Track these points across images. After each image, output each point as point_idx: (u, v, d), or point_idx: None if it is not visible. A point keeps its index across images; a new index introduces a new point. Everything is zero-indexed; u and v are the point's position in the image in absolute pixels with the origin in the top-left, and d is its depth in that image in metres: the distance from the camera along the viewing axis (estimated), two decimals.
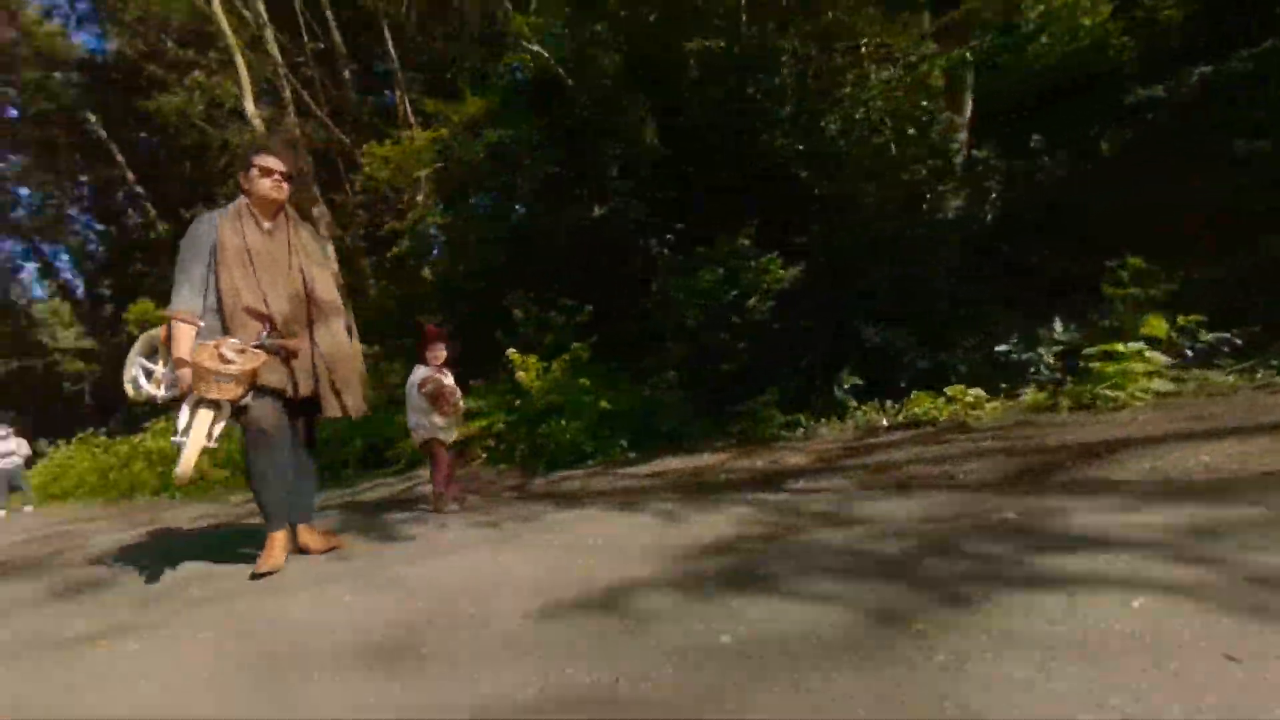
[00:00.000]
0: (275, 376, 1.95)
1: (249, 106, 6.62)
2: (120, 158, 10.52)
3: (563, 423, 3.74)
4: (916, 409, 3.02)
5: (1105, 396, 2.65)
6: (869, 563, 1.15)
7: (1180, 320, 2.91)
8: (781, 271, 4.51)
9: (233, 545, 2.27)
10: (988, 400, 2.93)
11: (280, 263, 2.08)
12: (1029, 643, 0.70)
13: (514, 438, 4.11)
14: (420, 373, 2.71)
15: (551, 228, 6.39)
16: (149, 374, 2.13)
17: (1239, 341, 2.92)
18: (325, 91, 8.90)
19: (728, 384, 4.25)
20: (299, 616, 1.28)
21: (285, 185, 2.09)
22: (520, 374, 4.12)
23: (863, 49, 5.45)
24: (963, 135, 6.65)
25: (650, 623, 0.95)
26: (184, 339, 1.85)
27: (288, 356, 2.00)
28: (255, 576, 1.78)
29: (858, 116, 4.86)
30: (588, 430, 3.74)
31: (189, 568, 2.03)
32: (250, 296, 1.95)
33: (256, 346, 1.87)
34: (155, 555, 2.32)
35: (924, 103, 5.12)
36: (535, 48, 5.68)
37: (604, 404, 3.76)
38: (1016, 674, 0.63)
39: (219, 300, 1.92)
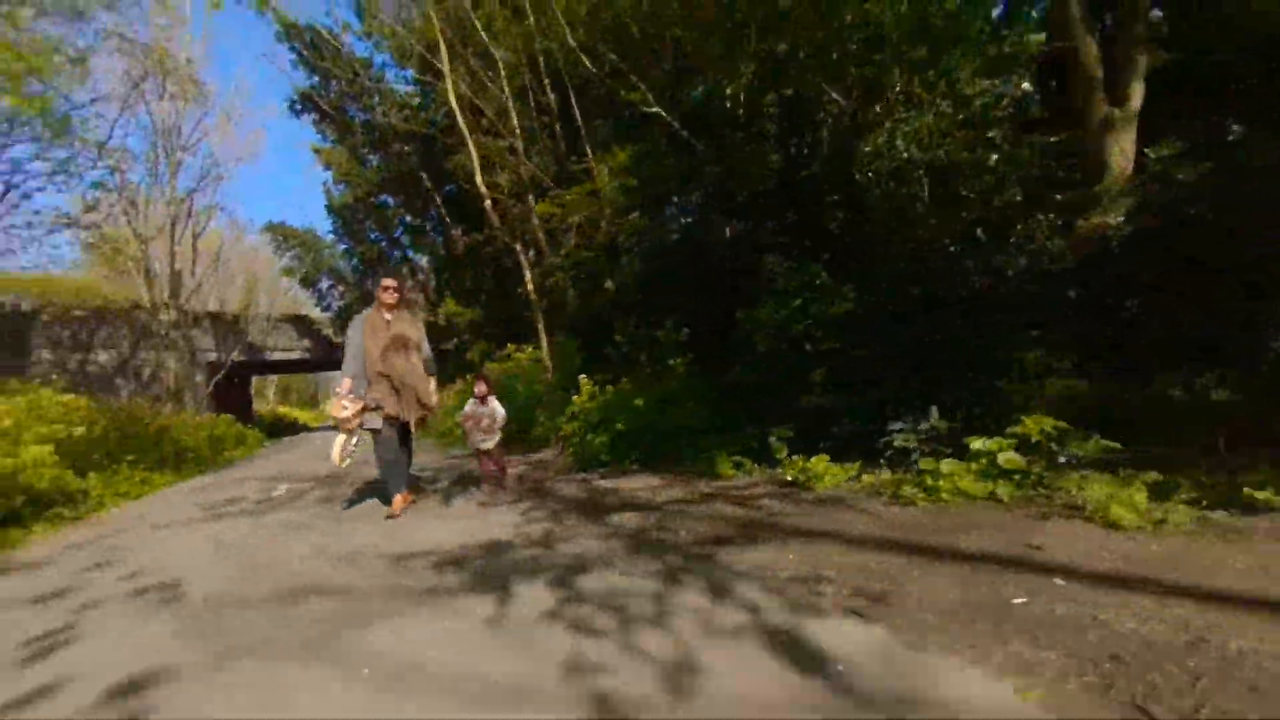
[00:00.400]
0: (387, 407, 4.00)
1: (477, 178, 9.55)
2: (438, 199, 15.32)
3: (593, 437, 5.29)
4: (791, 471, 3.64)
5: (905, 493, 2.96)
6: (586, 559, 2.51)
7: (1047, 424, 2.86)
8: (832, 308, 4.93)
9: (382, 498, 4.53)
10: (835, 473, 3.42)
11: (395, 335, 3.92)
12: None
13: (575, 440, 5.82)
14: (467, 408, 4.60)
15: (685, 256, 7.70)
16: None
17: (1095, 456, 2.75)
18: (543, 142, 11.51)
19: (751, 412, 5.10)
20: (427, 536, 3.22)
21: (395, 295, 4.12)
22: (575, 396, 5.79)
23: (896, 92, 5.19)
24: (1125, 138, 5.60)
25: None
26: (342, 394, 4.02)
27: (396, 389, 4.04)
28: (388, 517, 3.86)
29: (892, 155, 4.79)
30: (609, 444, 5.20)
31: (364, 506, 4.30)
32: (376, 364, 3.95)
33: (358, 399, 3.91)
34: (351, 499, 4.74)
35: (989, 134, 4.69)
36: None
37: (619, 425, 5.16)
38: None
39: (362, 366, 4.01)
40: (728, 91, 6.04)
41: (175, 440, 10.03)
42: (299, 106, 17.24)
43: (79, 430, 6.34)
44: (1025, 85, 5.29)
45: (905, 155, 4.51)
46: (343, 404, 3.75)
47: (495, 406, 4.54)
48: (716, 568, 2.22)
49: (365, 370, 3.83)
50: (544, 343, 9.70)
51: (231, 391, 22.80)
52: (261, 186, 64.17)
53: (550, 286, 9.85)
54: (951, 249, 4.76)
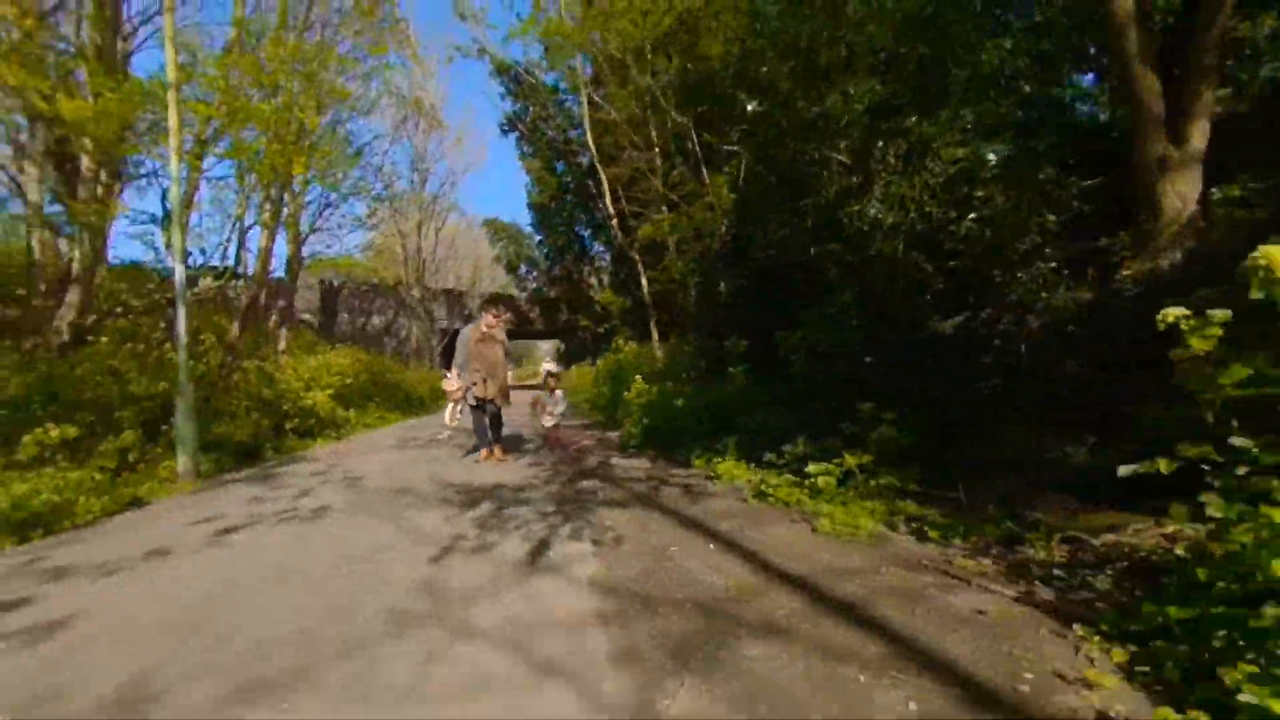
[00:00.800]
0: (478, 388, 6.33)
1: (605, 199, 11.67)
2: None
3: (631, 427, 7.07)
4: (710, 469, 5.02)
5: (754, 494, 4.18)
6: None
7: (865, 459, 3.83)
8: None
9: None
10: (738, 473, 4.71)
11: (491, 345, 6.30)
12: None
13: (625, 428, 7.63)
14: (538, 394, 6.71)
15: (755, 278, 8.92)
16: None
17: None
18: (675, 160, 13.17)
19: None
20: (483, 475, 5.60)
21: (495, 321, 6.40)
22: (627, 392, 7.56)
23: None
24: (1183, 179, 5.44)
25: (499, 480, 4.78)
26: (452, 377, 6.44)
27: (485, 379, 6.38)
28: (474, 461, 6.28)
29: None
30: (641, 434, 6.93)
31: (472, 453, 6.79)
32: (475, 361, 6.34)
33: (458, 379, 6.27)
34: (469, 449, 7.23)
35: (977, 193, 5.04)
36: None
37: (647, 421, 6.85)
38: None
39: (466, 360, 6.39)
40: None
41: (406, 390, 14.23)
42: (506, 127, 21.26)
43: (349, 380, 10.05)
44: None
45: (876, 218, 5.30)
46: (451, 383, 6.14)
47: (559, 396, 6.58)
48: (582, 510, 3.93)
49: (467, 364, 6.15)
50: (654, 338, 11.59)
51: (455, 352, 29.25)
52: (485, 187, 76.97)
53: (662, 290, 11.66)
54: (925, 298, 5.44)
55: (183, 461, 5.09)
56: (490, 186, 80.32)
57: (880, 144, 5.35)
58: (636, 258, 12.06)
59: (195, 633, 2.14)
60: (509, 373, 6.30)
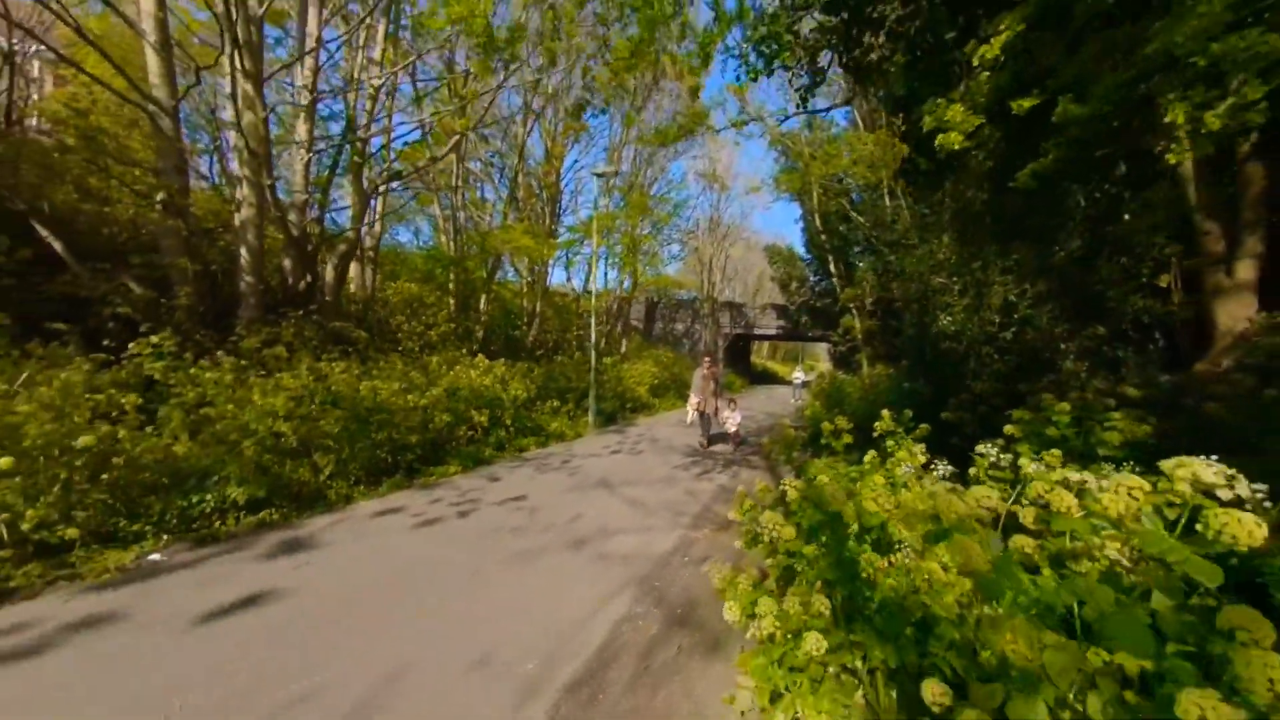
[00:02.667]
0: (698, 406, 11.23)
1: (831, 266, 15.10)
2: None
3: (803, 433, 11.07)
4: None
5: None
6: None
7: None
8: None
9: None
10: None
11: (705, 380, 11.16)
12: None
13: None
14: (723, 404, 11.30)
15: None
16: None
17: None
18: None
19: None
20: (694, 459, 10.87)
21: (710, 370, 11.18)
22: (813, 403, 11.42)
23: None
24: (1235, 303, 6.92)
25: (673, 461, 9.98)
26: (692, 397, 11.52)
27: (700, 400, 11.28)
28: (699, 444, 11.30)
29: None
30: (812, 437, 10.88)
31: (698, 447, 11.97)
32: (696, 391, 11.27)
33: (699, 400, 11.37)
34: (701, 439, 12.31)
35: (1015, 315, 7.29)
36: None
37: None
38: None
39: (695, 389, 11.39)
40: None
41: (688, 382, 20.32)
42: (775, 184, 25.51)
43: (655, 381, 16.37)
44: None
45: (945, 330, 8.20)
46: (691, 402, 11.24)
47: (737, 411, 11.05)
48: (738, 464, 8.51)
49: (695, 391, 11.03)
50: (864, 369, 14.80)
51: (737, 351, 35.20)
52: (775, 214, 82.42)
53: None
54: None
55: (591, 418, 11.53)
56: (776, 211, 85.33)
57: (954, 278, 8.17)
58: (851, 308, 15.27)
59: (616, 470, 7.69)
60: (716, 398, 10.32)
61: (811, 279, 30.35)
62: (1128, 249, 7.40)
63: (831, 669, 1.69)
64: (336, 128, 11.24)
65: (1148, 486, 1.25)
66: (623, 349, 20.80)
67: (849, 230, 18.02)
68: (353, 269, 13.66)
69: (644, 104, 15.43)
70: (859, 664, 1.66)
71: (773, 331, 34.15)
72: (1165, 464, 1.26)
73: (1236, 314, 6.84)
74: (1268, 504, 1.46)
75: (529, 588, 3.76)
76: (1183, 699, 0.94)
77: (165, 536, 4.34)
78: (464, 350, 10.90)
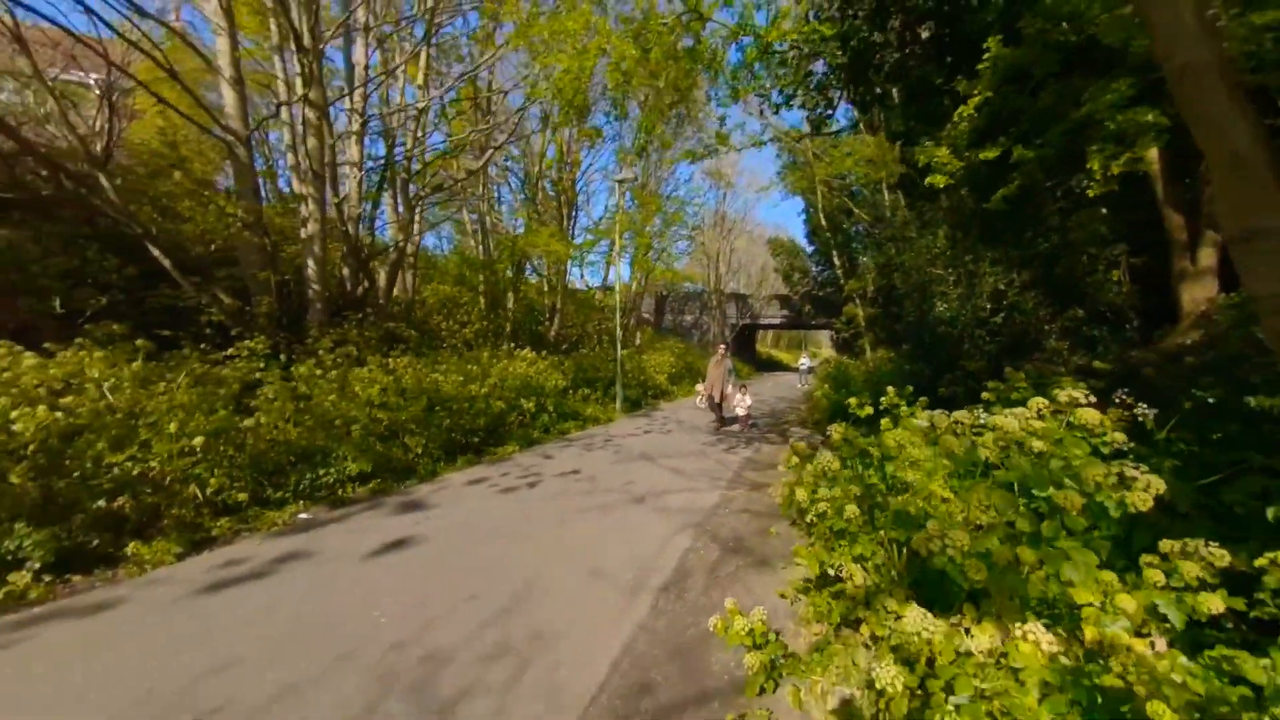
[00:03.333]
0: (708, 392, 12.07)
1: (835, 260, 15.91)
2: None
3: (817, 414, 11.90)
4: None
5: None
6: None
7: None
8: None
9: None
10: None
11: (716, 370, 12.01)
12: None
13: (817, 414, 12.35)
14: (731, 388, 12.15)
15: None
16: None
17: None
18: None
19: None
20: (710, 440, 11.77)
21: (722, 352, 12.05)
22: (828, 389, 12.24)
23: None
24: (1197, 288, 7.68)
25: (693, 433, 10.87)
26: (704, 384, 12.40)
27: (711, 386, 12.15)
28: (711, 433, 12.17)
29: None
30: (826, 410, 11.74)
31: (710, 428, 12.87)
32: (711, 376, 12.14)
33: (709, 386, 12.26)
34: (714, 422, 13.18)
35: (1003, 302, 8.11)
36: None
37: (825, 406, 11.58)
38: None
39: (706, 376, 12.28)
40: None
41: (700, 370, 21.18)
42: (782, 173, 26.20)
43: (672, 370, 17.26)
44: None
45: (941, 316, 9.02)
46: (698, 390, 12.14)
47: (747, 395, 11.84)
48: (754, 440, 9.39)
49: (712, 378, 11.87)
50: (867, 353, 15.62)
51: (743, 341, 36.00)
52: (770, 201, 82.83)
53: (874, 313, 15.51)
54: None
55: (618, 404, 12.43)
56: (777, 203, 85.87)
57: (949, 269, 8.98)
58: (854, 297, 16.06)
59: (652, 446, 8.57)
60: (729, 385, 10.76)
61: (814, 269, 31.07)
62: (1094, 244, 8.18)
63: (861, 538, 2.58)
64: (378, 147, 12.08)
65: (1046, 401, 2.10)
66: (637, 341, 21.60)
67: (850, 225, 18.77)
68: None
69: (668, 112, 16.23)
70: (881, 534, 2.55)
71: (777, 321, 34.93)
72: (1058, 391, 2.11)
73: (1199, 296, 7.61)
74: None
75: (608, 530, 4.66)
76: (1052, 494, 1.81)
77: (303, 501, 5.25)
78: (503, 346, 11.77)
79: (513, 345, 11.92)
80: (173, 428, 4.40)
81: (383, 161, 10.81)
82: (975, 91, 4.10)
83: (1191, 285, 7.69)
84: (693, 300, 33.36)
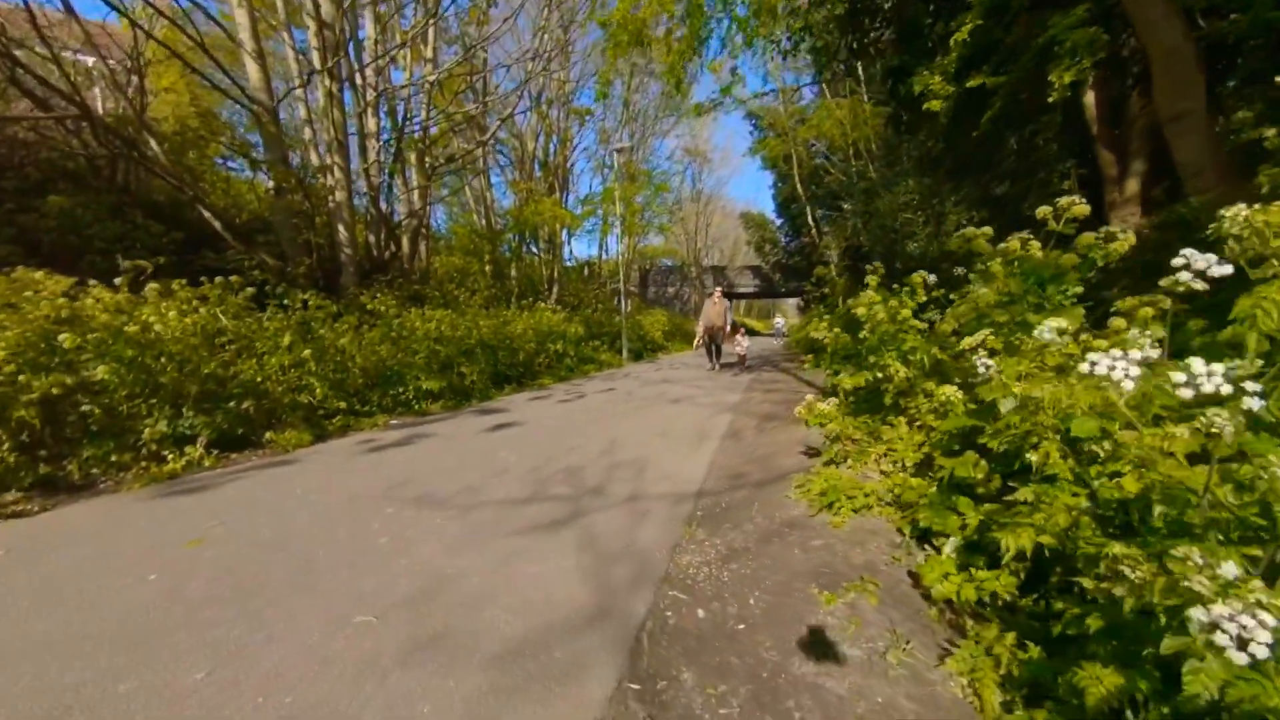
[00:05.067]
0: (705, 333, 12.52)
1: (807, 216, 16.67)
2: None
3: (800, 347, 12.72)
4: None
5: None
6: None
7: None
8: None
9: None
10: None
11: (715, 308, 11.86)
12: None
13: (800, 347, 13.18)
14: (737, 335, 12.86)
15: None
16: None
17: None
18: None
19: None
20: (693, 390, 12.50)
21: (717, 297, 12.46)
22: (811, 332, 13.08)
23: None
24: (1125, 213, 8.62)
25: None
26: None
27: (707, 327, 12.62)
28: (706, 369, 12.86)
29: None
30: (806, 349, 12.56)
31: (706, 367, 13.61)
32: (702, 317, 12.43)
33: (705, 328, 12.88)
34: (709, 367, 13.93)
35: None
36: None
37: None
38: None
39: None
40: None
41: (688, 331, 21.88)
42: (754, 149, 26.75)
43: (668, 323, 17.87)
44: None
45: (912, 253, 9.86)
46: (699, 329, 12.63)
47: (746, 338, 12.48)
48: (755, 369, 10.13)
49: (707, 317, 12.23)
50: (840, 299, 16.54)
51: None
52: (742, 180, 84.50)
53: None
54: None
55: (625, 354, 13.04)
56: (747, 179, 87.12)
57: (918, 213, 9.80)
58: (825, 256, 16.91)
59: (669, 376, 9.22)
60: (728, 323, 10.19)
61: (783, 240, 31.91)
62: (1045, 171, 9.05)
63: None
64: (389, 130, 12.15)
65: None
66: (626, 309, 22.11)
67: (820, 190, 19.49)
68: (407, 243, 14.73)
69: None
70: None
71: (751, 290, 35.80)
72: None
73: (1127, 219, 8.56)
74: None
75: (660, 416, 5.32)
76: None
77: (386, 415, 5.74)
78: (511, 309, 12.19)
79: (530, 301, 12.35)
80: (286, 340, 4.83)
81: (398, 134, 10.98)
82: (966, 21, 4.74)
83: (1120, 211, 8.63)
84: (673, 274, 33.89)
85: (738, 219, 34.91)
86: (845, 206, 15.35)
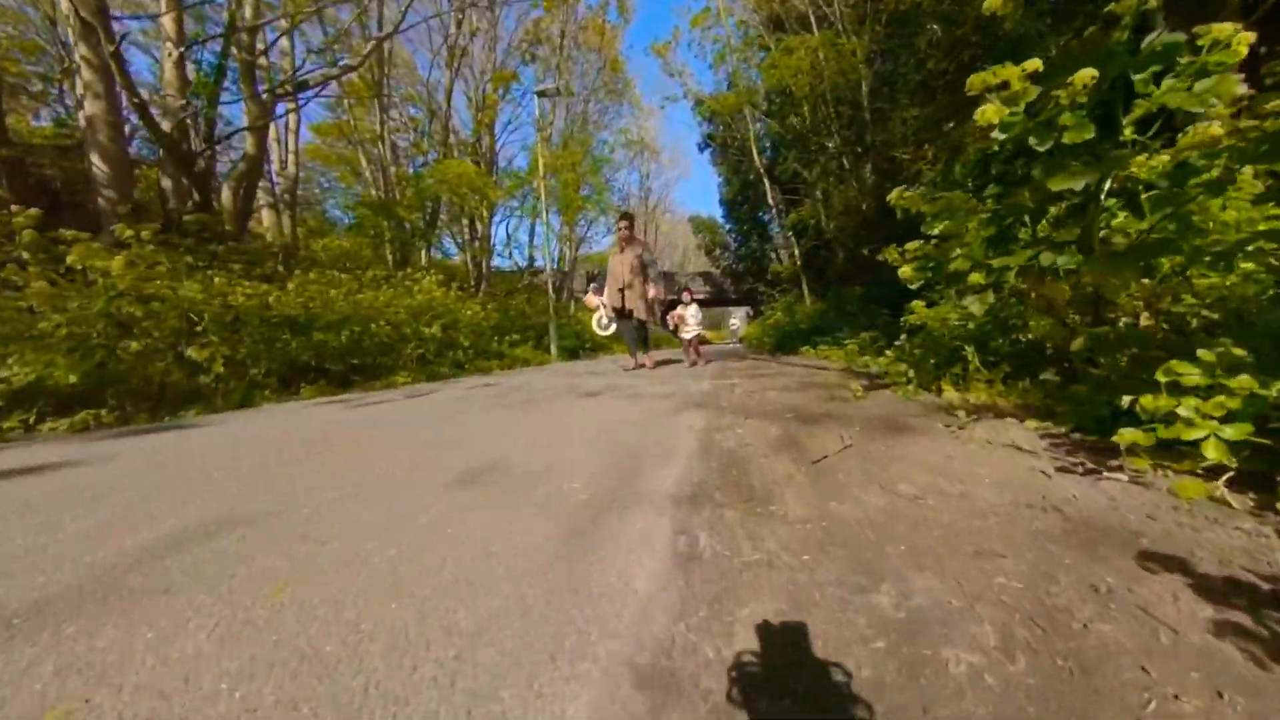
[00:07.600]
0: (613, 303, 5.68)
1: (769, 199, 14.04)
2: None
3: (764, 337, 9.84)
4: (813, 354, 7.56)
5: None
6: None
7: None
8: None
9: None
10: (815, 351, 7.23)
11: (625, 259, 5.34)
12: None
13: (764, 336, 10.32)
14: (679, 310, 9.21)
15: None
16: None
17: None
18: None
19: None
20: (626, 379, 9.33)
21: (626, 231, 5.42)
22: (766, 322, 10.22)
23: None
24: None
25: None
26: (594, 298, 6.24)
27: (623, 290, 5.49)
28: (626, 369, 6.32)
29: None
30: (772, 342, 9.66)
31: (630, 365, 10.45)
32: (609, 277, 5.55)
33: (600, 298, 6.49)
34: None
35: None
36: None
37: (771, 335, 9.53)
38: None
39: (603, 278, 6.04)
40: None
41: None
42: (703, 144, 24.29)
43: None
44: None
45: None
46: (590, 299, 6.04)
47: (695, 311, 8.83)
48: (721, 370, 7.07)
49: (614, 276, 5.43)
50: (805, 294, 13.84)
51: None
52: (690, 189, 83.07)
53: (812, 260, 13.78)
54: None
55: (553, 351, 9.70)
56: (694, 188, 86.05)
57: (924, 148, 7.16)
58: (793, 236, 14.28)
59: (612, 370, 5.95)
60: (656, 289, 5.52)
61: (732, 244, 29.60)
62: None
63: None
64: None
65: None
66: (555, 299, 18.85)
67: (788, 169, 16.82)
68: (268, 216, 10.86)
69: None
70: None
71: (703, 296, 33.28)
72: None
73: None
74: None
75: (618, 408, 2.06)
76: None
77: None
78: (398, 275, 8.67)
79: (412, 272, 8.84)
80: None
81: (216, 41, 7.34)
82: None
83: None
84: None
85: (687, 222, 32.44)
86: (805, 177, 12.52)
